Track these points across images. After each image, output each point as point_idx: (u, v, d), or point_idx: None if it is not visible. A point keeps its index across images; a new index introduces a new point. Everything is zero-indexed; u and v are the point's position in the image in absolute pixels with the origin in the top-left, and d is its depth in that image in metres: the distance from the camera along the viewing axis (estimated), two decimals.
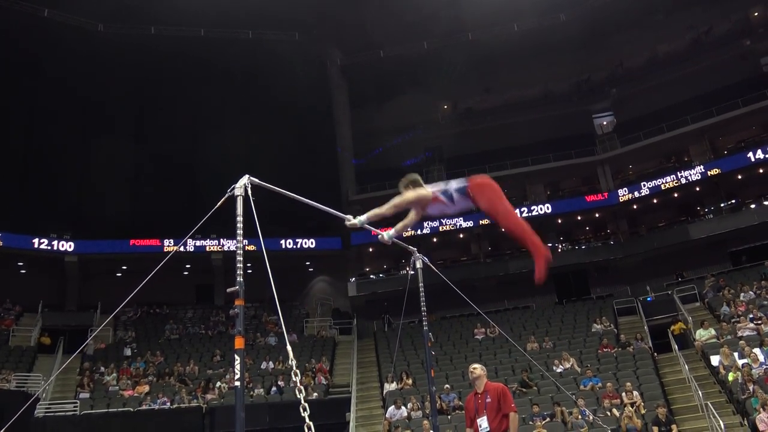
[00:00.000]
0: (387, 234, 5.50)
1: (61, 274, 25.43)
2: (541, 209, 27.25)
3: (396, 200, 5.09)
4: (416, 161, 30.83)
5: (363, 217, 5.18)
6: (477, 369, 6.34)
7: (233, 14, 27.71)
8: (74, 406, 16.58)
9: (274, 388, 17.63)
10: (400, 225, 5.49)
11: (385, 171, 30.75)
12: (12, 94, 25.66)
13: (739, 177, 25.29)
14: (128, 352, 21.29)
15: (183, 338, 23.01)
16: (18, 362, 19.46)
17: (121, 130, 27.88)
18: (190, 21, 27.86)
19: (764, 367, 13.53)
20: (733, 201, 25.14)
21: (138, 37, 27.72)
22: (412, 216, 5.35)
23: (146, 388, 17.88)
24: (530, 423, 13.31)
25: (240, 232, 4.23)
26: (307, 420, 3.80)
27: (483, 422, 6.00)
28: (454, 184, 5.00)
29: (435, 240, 28.42)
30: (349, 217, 5.31)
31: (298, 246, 27.28)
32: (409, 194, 5.07)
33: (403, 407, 15.18)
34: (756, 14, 28.70)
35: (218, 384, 18.00)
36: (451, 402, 15.28)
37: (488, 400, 6.06)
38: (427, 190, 5.08)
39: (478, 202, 4.96)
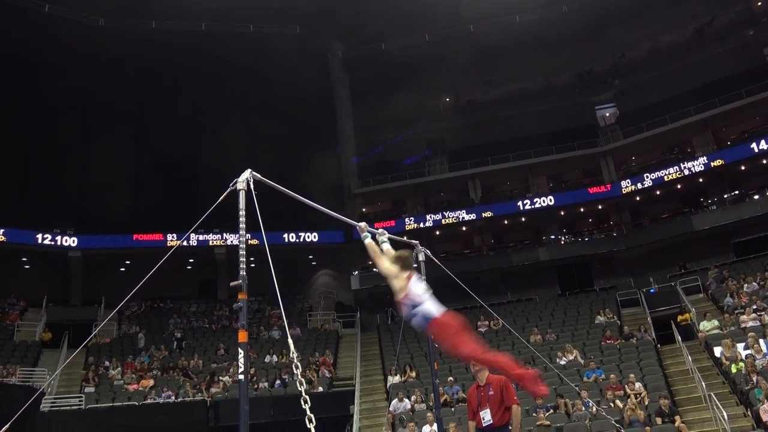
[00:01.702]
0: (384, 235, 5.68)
1: (65, 269, 25.51)
2: (543, 201, 27.22)
3: (381, 262, 4.89)
4: (417, 159, 30.80)
5: (368, 239, 5.31)
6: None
7: (234, 8, 27.67)
8: (79, 401, 16.66)
9: (278, 382, 17.69)
10: (378, 256, 5.17)
11: (386, 164, 30.81)
12: (14, 90, 25.64)
13: (743, 168, 25.22)
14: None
15: (187, 332, 23.06)
16: (23, 357, 19.54)
17: (123, 124, 27.90)
18: (190, 15, 27.84)
19: (767, 358, 13.52)
20: (737, 192, 25.09)
21: (139, 31, 27.69)
22: (383, 271, 4.93)
23: (151, 382, 17.94)
24: (533, 415, 13.33)
25: (243, 226, 4.24)
26: (309, 412, 3.81)
27: (486, 415, 6.02)
28: (424, 309, 4.56)
29: (437, 233, 28.41)
30: (360, 225, 5.50)
31: (301, 240, 27.31)
32: (389, 269, 4.75)
33: (406, 400, 15.22)
34: (759, 4, 28.53)
35: (223, 378, 18.05)
36: (454, 394, 15.32)
37: (491, 392, 6.07)
38: (403, 281, 4.67)
39: (437, 339, 4.93)
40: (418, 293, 4.62)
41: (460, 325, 4.54)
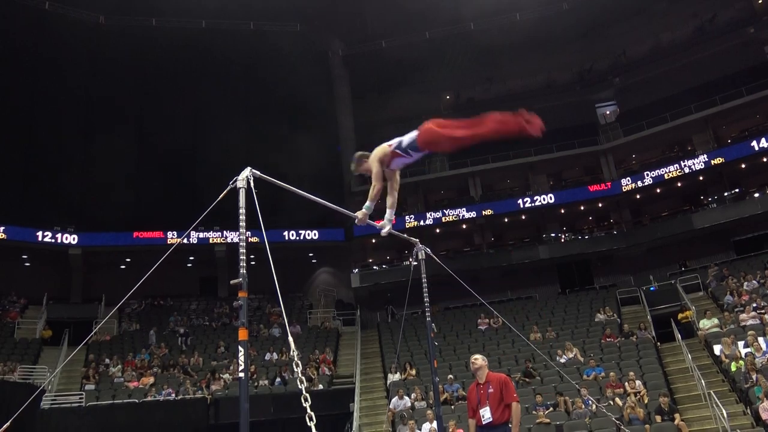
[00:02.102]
0: (385, 226, 5.50)
1: (65, 266, 25.53)
2: (544, 199, 27.21)
3: (373, 171, 5.14)
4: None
5: (367, 204, 5.18)
6: (478, 359, 6.37)
7: (234, 6, 27.64)
8: (80, 398, 16.67)
9: (278, 379, 17.72)
10: (388, 208, 5.46)
11: None
12: (14, 88, 25.64)
13: (743, 166, 25.21)
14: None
15: (187, 330, 23.07)
16: (23, 354, 19.57)
17: (123, 122, 27.86)
18: (191, 13, 27.82)
19: (767, 355, 13.53)
20: (737, 190, 25.09)
21: (139, 29, 27.69)
22: (388, 187, 5.39)
23: (151, 380, 17.97)
24: (533, 413, 13.36)
25: (243, 224, 4.24)
26: (309, 410, 3.82)
27: (485, 412, 6.03)
28: (406, 140, 5.12)
29: (438, 231, 28.42)
30: (357, 215, 5.31)
31: (301, 237, 27.30)
32: (374, 159, 5.14)
33: (406, 397, 15.24)
34: (760, 2, 28.45)
35: (223, 376, 18.07)
36: (454, 392, 15.34)
37: (490, 390, 6.08)
38: (383, 146, 5.18)
39: (436, 148, 5.20)
40: (395, 141, 5.17)
41: (439, 121, 4.94)
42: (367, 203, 5.18)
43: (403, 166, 5.31)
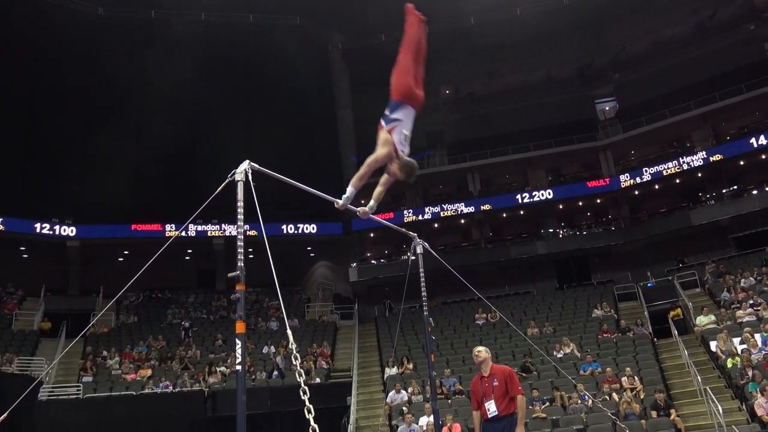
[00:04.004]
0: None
1: (63, 258, 25.50)
2: (542, 195, 27.22)
3: (371, 159, 4.94)
4: (417, 158, 30.66)
5: (349, 189, 4.98)
6: (482, 352, 6.33)
7: None
8: (77, 390, 16.70)
9: (275, 372, 17.74)
10: (376, 192, 5.35)
11: None
12: (12, 79, 25.54)
13: (742, 163, 25.25)
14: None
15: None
16: (21, 346, 19.56)
17: (122, 114, 27.78)
18: (190, 5, 27.71)
19: (763, 352, 13.58)
20: (735, 187, 25.13)
21: (138, 20, 27.57)
22: (386, 176, 5.21)
23: (149, 372, 18.00)
24: (530, 407, 13.37)
25: (241, 217, 4.24)
26: (307, 403, 3.83)
27: (491, 406, 6.01)
28: (387, 110, 5.10)
29: (436, 225, 28.43)
30: (359, 210, 5.33)
31: (299, 231, 27.30)
32: (379, 149, 4.94)
33: (403, 391, 15.27)
34: None
35: (221, 368, 18.09)
36: (451, 386, 15.38)
37: (495, 383, 6.06)
38: (381, 133, 5.05)
39: (415, 95, 5.17)
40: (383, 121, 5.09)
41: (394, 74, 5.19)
42: (350, 189, 5.05)
43: (407, 146, 5.13)
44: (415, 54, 5.31)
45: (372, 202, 5.29)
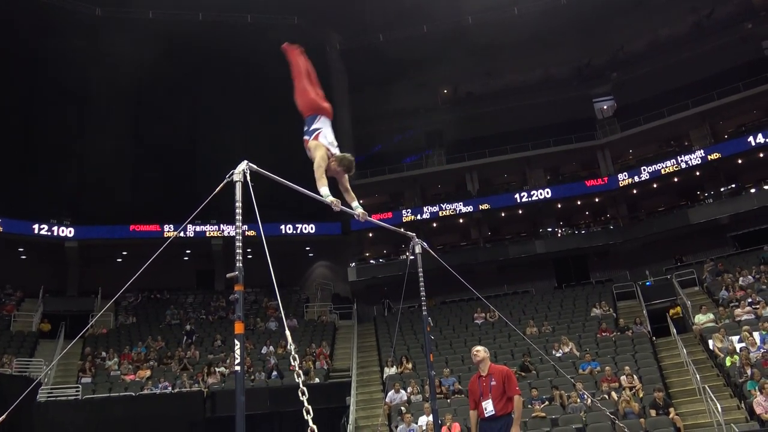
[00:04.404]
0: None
1: (61, 259, 25.48)
2: (540, 194, 27.23)
3: (314, 165, 5.45)
4: (417, 158, 30.71)
5: (322, 190, 5.36)
6: (480, 352, 6.35)
7: None
8: (76, 391, 16.69)
9: (274, 373, 17.74)
10: (345, 196, 5.90)
11: (384, 156, 30.78)
12: (11, 80, 25.51)
13: (740, 161, 25.27)
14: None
15: (184, 323, 23.08)
16: (20, 347, 19.55)
17: (120, 115, 27.77)
18: (188, 5, 27.67)
19: (762, 350, 13.59)
20: (733, 185, 25.14)
21: (136, 21, 27.53)
22: (341, 187, 5.85)
23: (148, 373, 17.99)
24: (529, 406, 13.39)
25: (239, 217, 4.24)
26: (306, 404, 3.82)
27: (488, 405, 6.03)
28: (305, 127, 5.84)
29: (434, 225, 28.44)
30: (358, 213, 5.84)
31: (298, 231, 27.30)
32: (314, 154, 5.53)
33: (402, 391, 15.27)
34: None
35: (219, 368, 18.09)
36: (450, 386, 15.37)
37: (493, 383, 6.07)
38: (311, 143, 5.68)
39: (319, 104, 6.14)
40: (307, 134, 5.81)
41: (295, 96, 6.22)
42: (322, 189, 5.39)
43: (332, 139, 5.75)
44: (308, 77, 6.56)
45: (353, 203, 5.84)
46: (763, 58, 26.96)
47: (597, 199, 28.19)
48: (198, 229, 26.16)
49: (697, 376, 14.03)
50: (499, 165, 29.19)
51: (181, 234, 24.39)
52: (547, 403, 13.66)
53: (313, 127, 5.76)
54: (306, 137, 5.74)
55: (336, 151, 5.65)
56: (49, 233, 24.72)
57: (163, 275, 22.71)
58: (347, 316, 24.12)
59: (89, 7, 27.20)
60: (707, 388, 12.97)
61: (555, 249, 26.75)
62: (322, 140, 5.63)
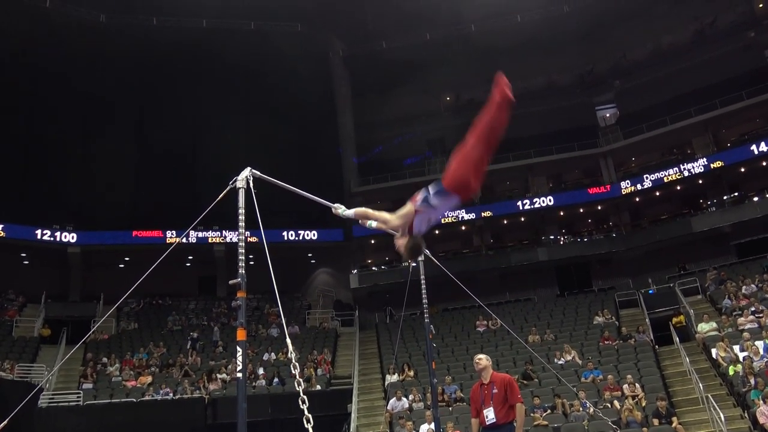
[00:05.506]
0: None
1: (64, 265, 25.51)
2: (543, 201, 27.22)
3: (385, 218, 4.44)
4: (418, 159, 30.76)
5: (350, 210, 4.79)
6: (483, 359, 6.34)
7: (235, 5, 27.67)
8: (77, 397, 16.67)
9: (276, 380, 17.71)
10: (373, 215, 4.62)
11: (387, 163, 30.79)
12: (14, 86, 25.60)
13: (743, 170, 25.22)
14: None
15: (186, 329, 23.06)
16: (21, 353, 19.54)
17: (123, 121, 27.86)
18: (192, 12, 27.81)
19: (765, 359, 13.53)
20: (736, 194, 25.10)
21: (140, 28, 27.69)
22: (392, 225, 4.52)
23: (149, 379, 17.95)
24: (531, 415, 13.34)
25: (242, 224, 4.25)
26: (306, 413, 3.82)
27: (489, 413, 6.02)
28: (431, 189, 4.28)
29: (437, 232, 28.35)
30: (336, 205, 5.04)
31: (300, 238, 27.30)
32: (395, 219, 4.37)
33: (404, 399, 15.23)
34: (761, 5, 28.51)
35: (221, 375, 18.05)
36: (452, 394, 15.33)
37: (495, 390, 6.07)
38: (409, 206, 4.35)
39: (469, 190, 4.31)
40: (420, 197, 4.31)
41: (456, 159, 4.22)
42: (350, 212, 4.77)
43: (426, 229, 4.44)
44: (489, 145, 4.23)
45: (370, 222, 4.68)
46: (766, 67, 26.93)
47: (599, 207, 28.15)
48: (200, 235, 26.17)
49: (700, 385, 13.97)
50: (501, 172, 29.12)
51: (184, 240, 24.42)
52: (549, 411, 13.61)
53: (433, 201, 4.24)
54: (419, 196, 4.33)
55: (423, 230, 4.40)
56: (52, 239, 24.74)
57: (165, 281, 22.77)
58: (349, 323, 24.09)
59: (93, 14, 27.35)
60: (710, 397, 12.92)
61: (557, 257, 26.70)
62: (417, 219, 4.34)
